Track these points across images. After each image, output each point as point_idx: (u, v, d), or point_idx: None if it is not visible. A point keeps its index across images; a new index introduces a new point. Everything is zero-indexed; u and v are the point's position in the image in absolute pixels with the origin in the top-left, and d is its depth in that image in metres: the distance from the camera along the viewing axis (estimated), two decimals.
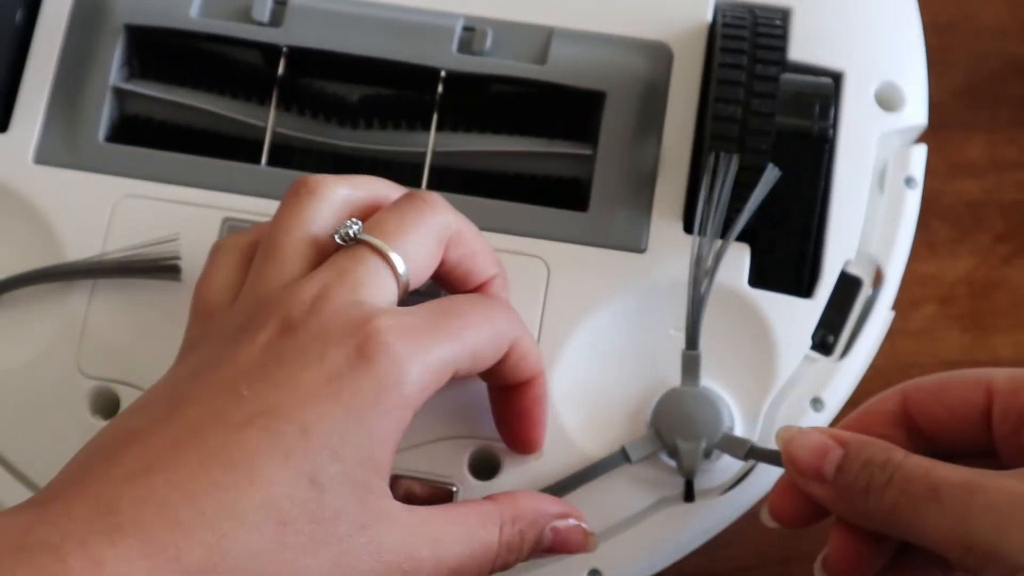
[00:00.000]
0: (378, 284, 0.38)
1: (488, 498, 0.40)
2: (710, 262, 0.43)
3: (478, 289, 0.42)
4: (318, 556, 0.35)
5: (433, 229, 0.40)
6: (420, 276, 0.40)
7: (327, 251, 0.39)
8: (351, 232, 0.39)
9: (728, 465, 0.44)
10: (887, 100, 0.47)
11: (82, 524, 0.33)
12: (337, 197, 0.40)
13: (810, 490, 0.40)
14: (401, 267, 0.38)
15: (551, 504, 0.42)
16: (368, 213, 0.41)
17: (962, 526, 0.36)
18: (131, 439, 0.35)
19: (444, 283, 0.42)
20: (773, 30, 0.45)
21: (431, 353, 0.37)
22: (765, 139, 0.43)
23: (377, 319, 0.37)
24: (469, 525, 0.39)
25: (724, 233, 0.43)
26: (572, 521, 0.42)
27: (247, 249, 0.41)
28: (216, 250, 0.42)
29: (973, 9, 0.64)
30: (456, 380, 0.39)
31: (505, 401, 0.43)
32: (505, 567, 0.40)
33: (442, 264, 0.41)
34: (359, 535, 0.35)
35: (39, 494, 0.35)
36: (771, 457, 0.43)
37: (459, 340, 0.38)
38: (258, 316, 0.37)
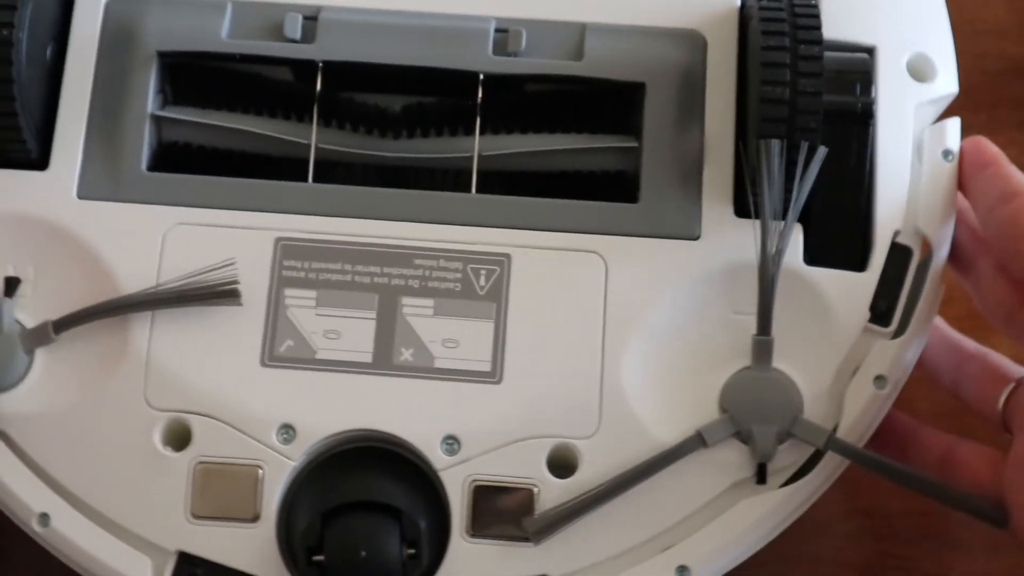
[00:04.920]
0: None
1: None
2: (776, 246, 0.43)
3: None
4: None
5: None
6: None
7: None
8: None
9: (792, 443, 0.45)
10: (919, 71, 0.48)
11: None
12: None
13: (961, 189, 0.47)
14: None
15: None
16: None
17: None
18: None
19: None
20: (809, 9, 0.45)
21: None
22: (814, 118, 0.44)
23: None
24: None
25: (784, 215, 0.44)
26: None
27: None
28: None
29: (972, 10, 0.63)
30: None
31: None
32: None
33: None
34: None
35: None
36: (850, 452, 0.44)
37: None
38: None
